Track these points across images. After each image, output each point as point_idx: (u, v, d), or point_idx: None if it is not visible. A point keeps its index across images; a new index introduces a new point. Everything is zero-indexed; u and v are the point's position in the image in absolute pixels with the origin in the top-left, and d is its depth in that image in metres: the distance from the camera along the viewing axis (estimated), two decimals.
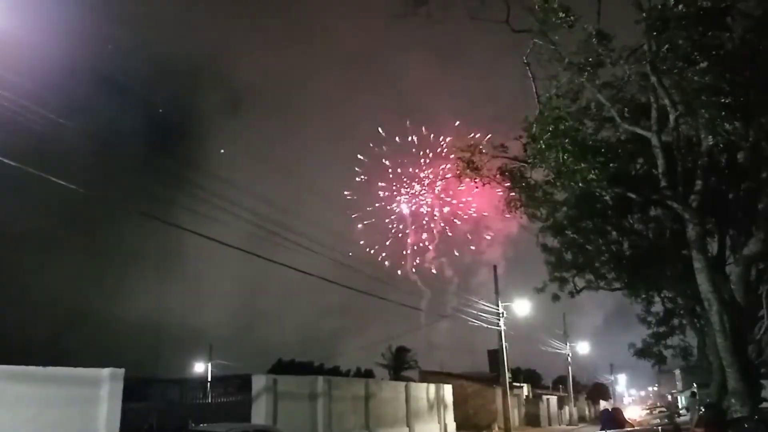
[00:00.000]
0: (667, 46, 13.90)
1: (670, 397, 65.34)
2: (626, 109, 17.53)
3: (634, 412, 52.75)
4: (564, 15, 14.91)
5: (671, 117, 15.76)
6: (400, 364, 70.65)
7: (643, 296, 26.55)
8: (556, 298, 26.49)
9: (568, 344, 54.15)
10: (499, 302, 34.64)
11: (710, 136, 15.29)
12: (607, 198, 18.21)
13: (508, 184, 19.07)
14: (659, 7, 13.90)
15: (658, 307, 27.38)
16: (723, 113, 13.69)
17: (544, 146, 15.93)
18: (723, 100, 13.51)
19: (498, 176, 18.52)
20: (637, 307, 27.62)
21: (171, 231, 14.84)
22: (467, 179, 18.58)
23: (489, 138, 18.70)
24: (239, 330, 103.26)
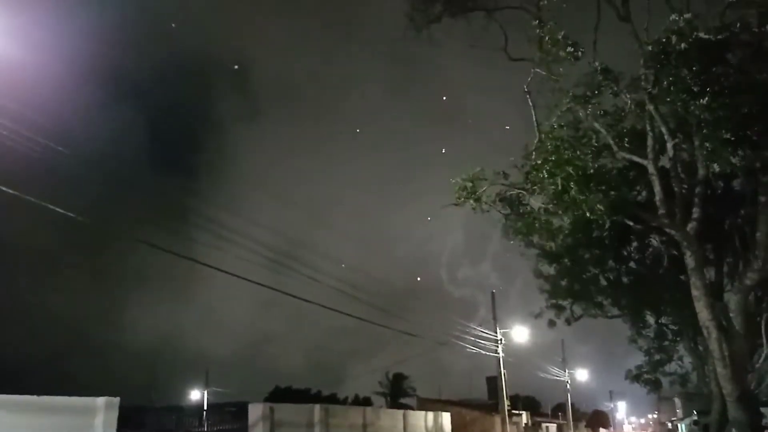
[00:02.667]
0: (670, 78, 14.02)
1: (670, 424, 64.73)
2: (626, 138, 17.70)
3: None
4: (572, 49, 15.12)
5: (668, 145, 15.89)
6: (397, 392, 70.08)
7: (641, 324, 26.52)
8: (551, 324, 26.54)
9: (567, 371, 53.73)
10: (498, 329, 34.45)
11: (713, 164, 15.31)
12: (606, 226, 18.24)
13: (507, 211, 19.10)
14: (662, 40, 14.08)
15: (652, 332, 27.29)
16: (727, 147, 13.77)
17: (545, 174, 16.03)
18: (725, 135, 13.59)
19: (497, 203, 18.53)
20: (635, 334, 27.53)
21: (172, 256, 14.74)
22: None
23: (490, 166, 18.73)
24: (236, 357, 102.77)
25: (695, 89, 13.54)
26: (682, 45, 13.47)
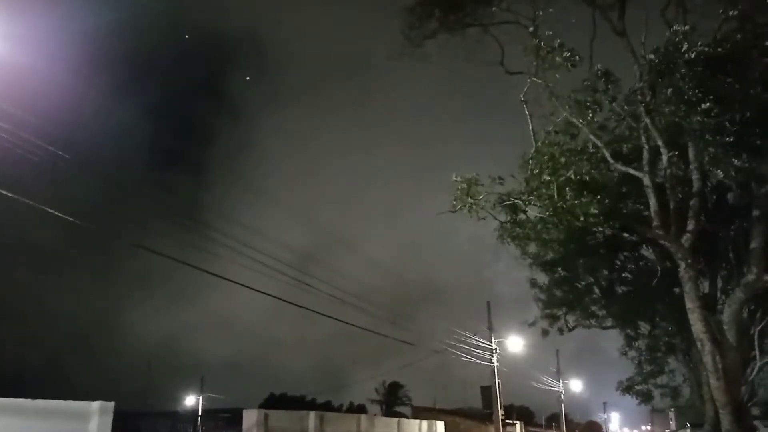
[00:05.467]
0: (670, 90, 14.12)
1: None
2: (624, 147, 17.80)
3: None
4: (569, 54, 15.26)
5: (663, 158, 16.01)
6: (392, 400, 70.04)
7: (633, 334, 26.59)
8: (545, 333, 26.61)
9: (561, 381, 53.73)
10: (493, 338, 34.46)
11: (715, 171, 15.34)
12: (599, 236, 18.33)
13: (504, 219, 19.18)
14: (664, 51, 14.18)
15: (644, 343, 27.33)
16: (729, 152, 13.83)
17: (541, 181, 16.13)
18: (727, 139, 13.64)
19: (495, 208, 18.57)
20: (626, 345, 27.58)
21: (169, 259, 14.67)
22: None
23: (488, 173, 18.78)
24: (232, 363, 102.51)
25: (695, 99, 13.62)
26: (686, 56, 13.54)
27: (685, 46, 13.68)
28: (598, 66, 15.54)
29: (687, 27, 14.10)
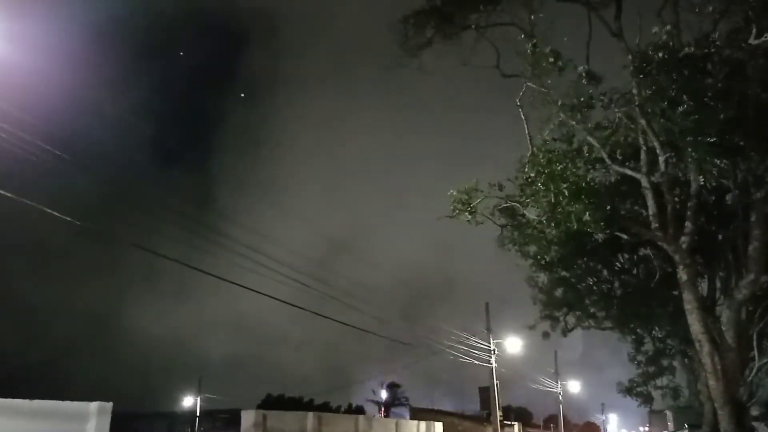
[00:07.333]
0: (653, 88, 14.14)
1: None
2: (618, 150, 17.80)
3: None
4: (554, 60, 15.28)
5: (660, 159, 16.01)
6: (390, 401, 69.95)
7: (633, 336, 26.61)
8: (546, 335, 26.60)
9: (559, 382, 53.71)
10: (491, 339, 34.40)
11: (699, 176, 15.44)
12: (598, 238, 18.32)
13: (504, 223, 19.23)
14: (648, 51, 14.18)
15: (648, 347, 27.37)
16: (709, 152, 13.84)
17: (539, 186, 16.13)
18: (708, 140, 13.65)
19: (495, 214, 18.62)
20: (629, 346, 27.62)
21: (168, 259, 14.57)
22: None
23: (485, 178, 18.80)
24: (229, 363, 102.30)
25: (678, 98, 13.60)
26: (662, 55, 13.54)
27: (663, 44, 13.67)
28: (581, 68, 15.54)
29: (668, 27, 14.11)
